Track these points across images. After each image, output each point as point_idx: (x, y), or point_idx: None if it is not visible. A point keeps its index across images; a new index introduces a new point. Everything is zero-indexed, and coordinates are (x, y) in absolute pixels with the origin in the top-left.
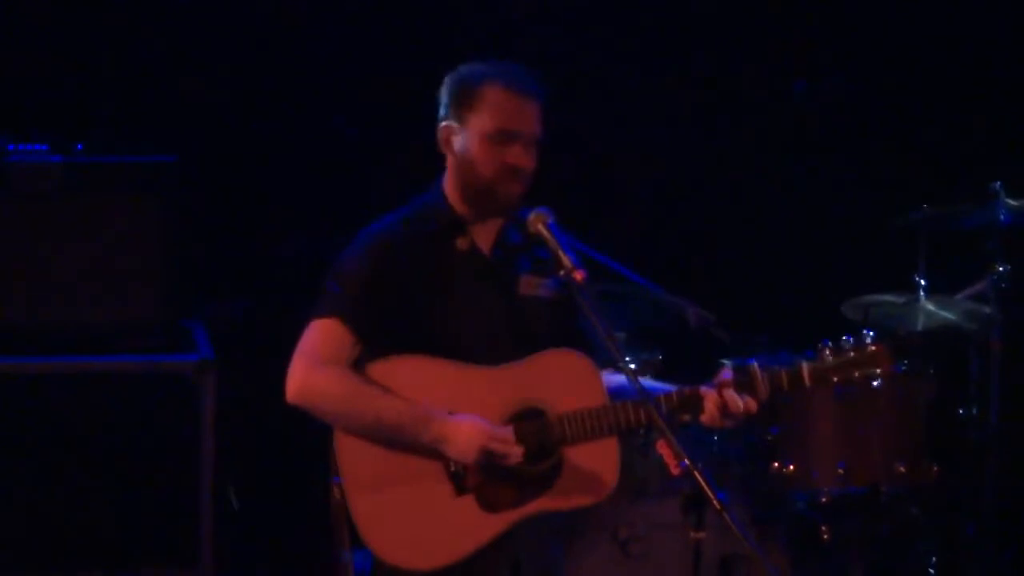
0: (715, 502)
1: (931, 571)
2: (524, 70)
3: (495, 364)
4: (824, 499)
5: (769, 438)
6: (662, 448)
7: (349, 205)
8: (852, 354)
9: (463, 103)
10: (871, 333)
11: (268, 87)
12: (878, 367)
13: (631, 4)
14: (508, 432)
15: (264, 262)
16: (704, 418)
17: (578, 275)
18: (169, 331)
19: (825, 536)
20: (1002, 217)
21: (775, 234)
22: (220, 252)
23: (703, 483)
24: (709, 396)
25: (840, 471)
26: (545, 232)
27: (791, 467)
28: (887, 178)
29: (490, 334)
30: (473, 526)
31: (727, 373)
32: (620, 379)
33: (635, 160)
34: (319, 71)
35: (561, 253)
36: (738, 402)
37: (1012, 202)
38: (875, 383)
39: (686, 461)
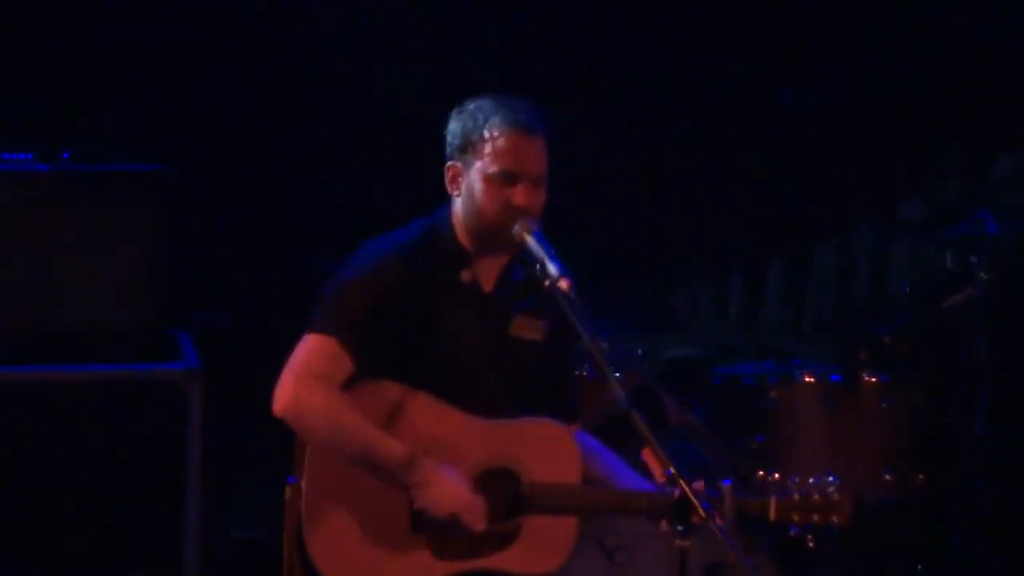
0: (700, 510)
1: None
2: (527, 106)
3: (477, 398)
4: None
5: (754, 446)
6: (647, 456)
7: (339, 214)
8: (816, 497)
9: (467, 145)
10: (835, 480)
11: (257, 95)
12: (835, 515)
13: (618, 12)
14: (481, 505)
15: (252, 271)
16: (664, 524)
17: (564, 284)
18: (156, 340)
19: (811, 544)
20: (988, 225)
21: (762, 240)
22: (207, 260)
23: (688, 491)
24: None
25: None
26: (530, 241)
27: (776, 475)
28: (873, 185)
29: (475, 368)
30: (417, 567)
31: (698, 484)
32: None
33: (623, 167)
34: (308, 79)
35: (547, 262)
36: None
37: (997, 210)
38: (835, 519)
39: (671, 469)
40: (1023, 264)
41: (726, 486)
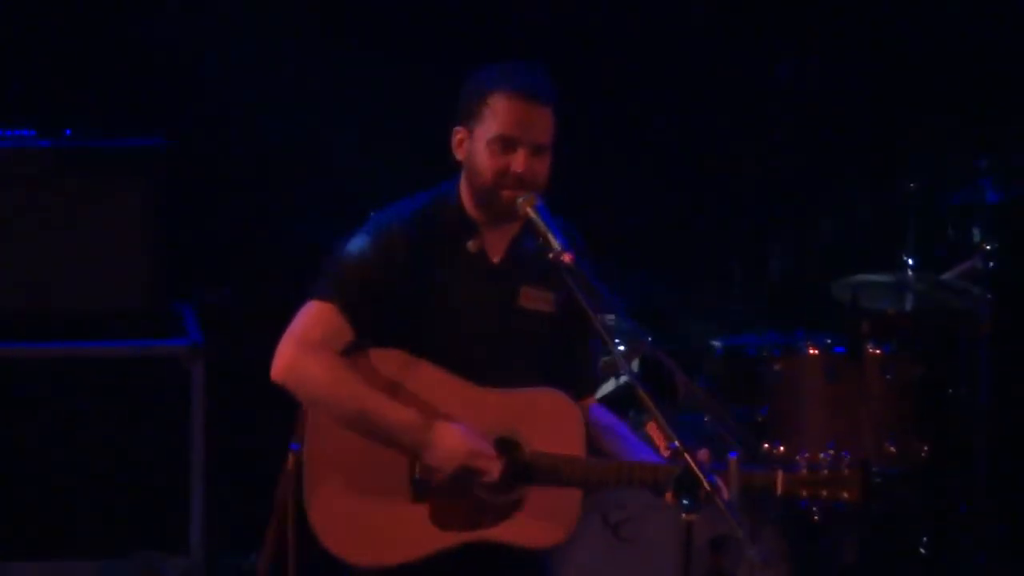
0: (705, 484)
1: (922, 551)
2: (537, 74)
3: (483, 369)
4: None
5: (759, 419)
6: (652, 430)
7: (341, 190)
8: (826, 473)
9: (472, 110)
10: (847, 455)
11: (257, 71)
12: (846, 492)
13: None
14: (491, 449)
15: (253, 246)
16: (670, 497)
17: (567, 257)
18: (159, 316)
19: (816, 517)
20: (989, 195)
21: (763, 214)
22: (209, 236)
23: (693, 465)
24: None
25: (830, 451)
26: (533, 215)
27: (781, 448)
28: (874, 157)
29: (481, 339)
30: (418, 536)
31: (704, 455)
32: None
33: (621, 141)
34: (308, 55)
35: (549, 235)
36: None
37: (999, 179)
38: (845, 495)
39: (676, 443)
40: None
41: (732, 459)
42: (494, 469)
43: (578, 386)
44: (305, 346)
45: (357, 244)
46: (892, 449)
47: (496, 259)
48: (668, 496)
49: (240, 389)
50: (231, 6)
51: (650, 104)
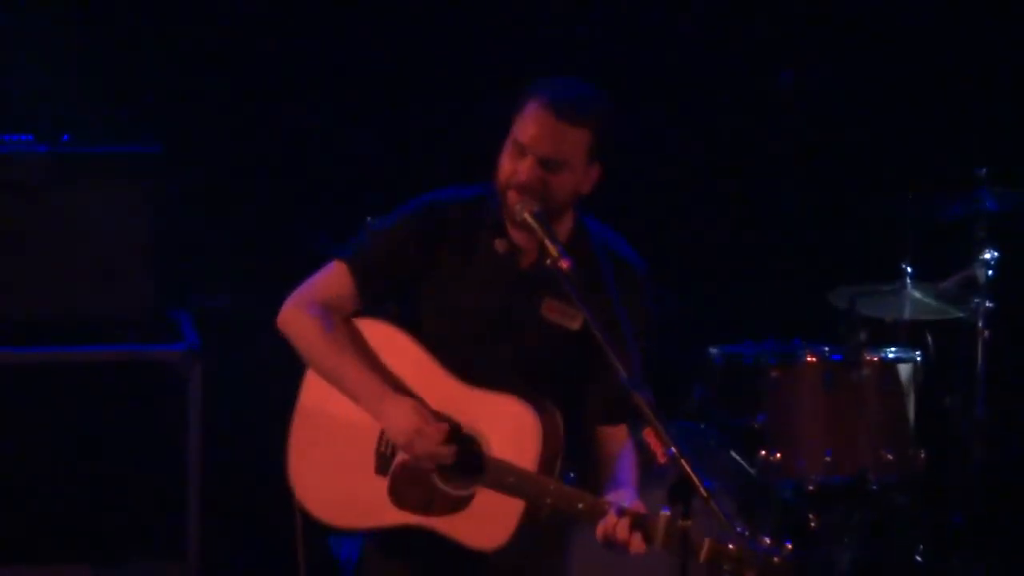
0: (702, 490)
1: (918, 559)
2: (577, 91)
3: (479, 366)
4: (811, 487)
5: (756, 426)
6: (649, 436)
7: (340, 196)
8: (756, 555)
9: (517, 113)
10: (789, 545)
11: (255, 78)
12: None
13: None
14: (440, 432)
15: (251, 252)
16: (597, 532)
17: (564, 263)
18: (156, 321)
19: (812, 524)
20: (988, 204)
21: (762, 222)
22: (207, 242)
23: (690, 471)
24: (609, 517)
25: (827, 459)
26: (531, 220)
27: (778, 455)
28: (873, 166)
29: (486, 339)
30: (375, 508)
31: (637, 503)
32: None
33: (620, 149)
34: (305, 62)
35: (547, 241)
36: (626, 537)
37: (997, 189)
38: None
39: (673, 449)
40: (1022, 242)
41: (664, 513)
42: (443, 451)
43: (596, 411)
44: (308, 299)
45: (391, 218)
46: (889, 457)
47: (526, 264)
48: (599, 531)
49: (237, 395)
50: (231, 13)
51: (651, 111)
